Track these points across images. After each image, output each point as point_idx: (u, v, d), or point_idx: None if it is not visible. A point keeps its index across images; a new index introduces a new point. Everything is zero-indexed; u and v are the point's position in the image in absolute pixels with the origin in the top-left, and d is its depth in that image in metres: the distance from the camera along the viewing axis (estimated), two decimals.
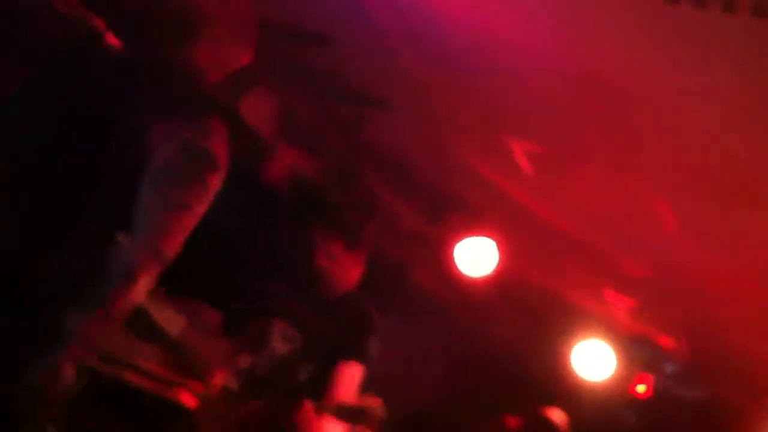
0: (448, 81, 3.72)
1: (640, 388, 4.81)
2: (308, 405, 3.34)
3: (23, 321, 2.41)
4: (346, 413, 3.39)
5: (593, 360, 4.72)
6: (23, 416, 2.32)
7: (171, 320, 3.21)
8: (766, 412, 4.53)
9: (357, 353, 3.50)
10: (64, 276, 2.46)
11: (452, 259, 4.32)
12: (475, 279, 4.33)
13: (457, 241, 4.30)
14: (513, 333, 4.93)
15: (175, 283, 3.30)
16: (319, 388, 3.40)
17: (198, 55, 2.54)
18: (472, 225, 4.32)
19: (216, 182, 2.52)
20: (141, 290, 2.44)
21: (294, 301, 3.50)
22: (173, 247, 2.44)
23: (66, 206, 2.49)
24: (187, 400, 3.26)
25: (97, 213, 2.48)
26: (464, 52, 3.48)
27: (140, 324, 3.07)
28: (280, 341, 3.39)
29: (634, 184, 3.81)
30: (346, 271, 3.54)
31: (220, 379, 3.27)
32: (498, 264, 4.29)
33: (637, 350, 4.70)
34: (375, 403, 3.46)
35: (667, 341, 4.66)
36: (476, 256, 4.30)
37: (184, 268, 3.26)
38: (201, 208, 2.49)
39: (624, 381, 4.78)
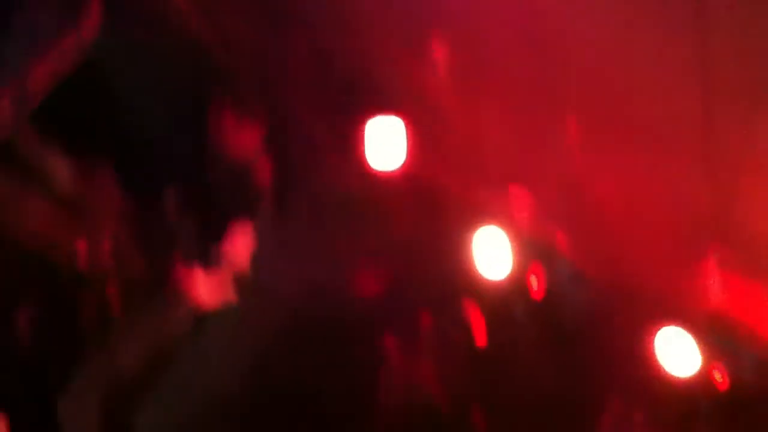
0: None
1: (533, 283, 4.97)
2: (184, 261, 3.42)
3: None
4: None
5: (490, 253, 4.87)
6: None
7: (63, 176, 3.25)
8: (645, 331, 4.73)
9: (245, 214, 3.58)
10: None
11: (362, 150, 4.40)
12: (383, 173, 4.43)
13: (367, 128, 4.36)
14: (418, 229, 5.03)
15: (73, 139, 3.35)
16: (206, 245, 3.49)
17: None
18: (383, 109, 4.37)
19: (87, 26, 2.50)
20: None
21: (186, 162, 3.57)
22: (33, 87, 2.44)
23: None
24: (75, 259, 3.34)
25: None
26: None
27: (31, 179, 3.12)
28: (172, 207, 3.47)
29: (545, 103, 3.90)
30: (234, 134, 3.61)
31: (109, 240, 3.35)
32: (405, 155, 4.38)
33: (532, 246, 4.85)
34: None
35: (562, 240, 4.82)
36: (384, 143, 4.38)
37: (83, 124, 3.31)
38: (70, 54, 2.48)
39: (519, 276, 4.94)
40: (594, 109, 3.94)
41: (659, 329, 4.71)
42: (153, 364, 3.59)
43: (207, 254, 3.51)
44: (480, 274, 4.96)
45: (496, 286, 5.01)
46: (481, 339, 4.99)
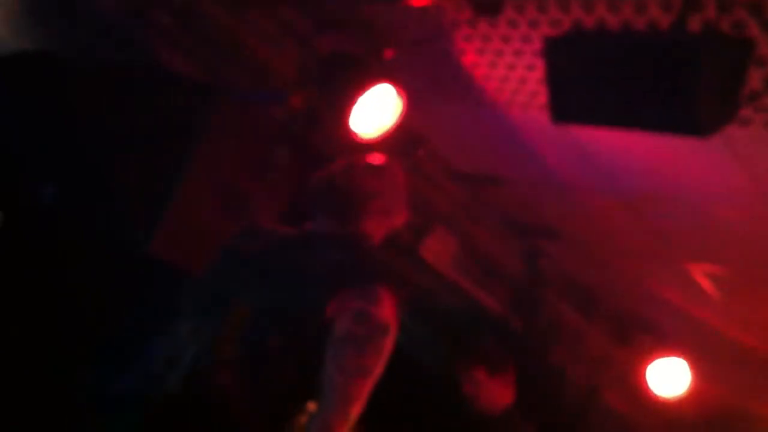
0: (621, 210, 3.84)
1: None
2: None
3: None
4: None
5: None
6: None
7: None
8: None
9: None
10: None
11: (644, 381, 4.33)
12: (669, 400, 4.31)
13: (648, 363, 4.32)
14: None
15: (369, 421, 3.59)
16: None
17: (366, 225, 2.87)
18: (661, 346, 4.33)
19: (389, 344, 2.76)
20: None
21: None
22: (359, 409, 2.70)
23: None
24: None
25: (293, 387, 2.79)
26: (638, 184, 3.60)
27: None
28: None
29: None
30: (493, 394, 3.70)
31: None
32: (691, 384, 4.25)
33: None
34: None
35: None
36: (668, 377, 4.29)
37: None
38: (379, 370, 2.73)
39: None
40: None
41: None
42: None
43: None
44: None
45: None
46: None
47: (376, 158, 2.84)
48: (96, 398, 2.85)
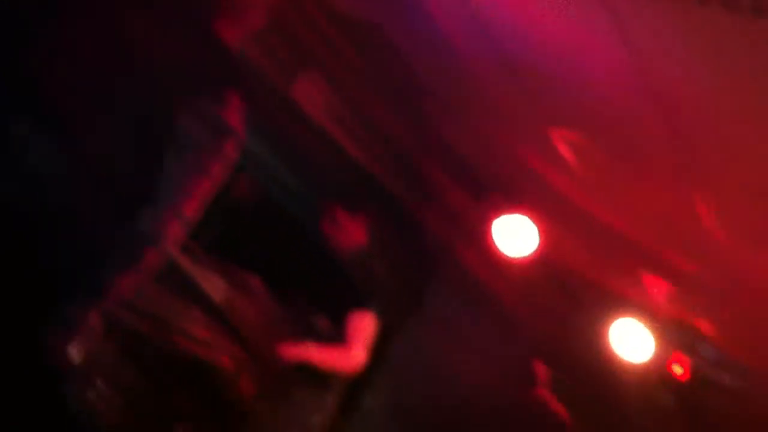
0: (493, 66, 3.83)
1: (677, 369, 4.89)
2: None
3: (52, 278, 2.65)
4: None
5: (631, 340, 4.83)
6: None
7: (215, 286, 3.49)
8: None
9: (363, 303, 3.75)
10: (96, 237, 2.69)
11: (493, 238, 4.50)
12: (515, 259, 4.51)
13: (495, 219, 4.47)
14: (552, 314, 5.06)
15: (222, 251, 3.59)
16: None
17: (218, 23, 2.73)
18: (514, 206, 4.47)
19: (232, 149, 2.71)
20: (167, 249, 2.67)
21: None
22: (193, 208, 2.65)
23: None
24: (227, 363, 3.55)
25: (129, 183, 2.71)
26: (516, 43, 3.58)
27: (186, 289, 3.35)
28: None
29: (680, 186, 3.86)
30: (349, 232, 3.81)
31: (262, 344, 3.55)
32: (538, 246, 4.45)
33: (674, 332, 4.79)
34: None
35: (704, 325, 4.73)
36: (516, 236, 4.47)
37: (230, 238, 3.54)
38: (219, 173, 2.69)
39: (661, 362, 4.87)
40: (729, 188, 3.86)
41: None
42: None
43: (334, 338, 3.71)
44: (620, 360, 4.92)
45: (638, 371, 4.95)
46: None
47: None
48: None
